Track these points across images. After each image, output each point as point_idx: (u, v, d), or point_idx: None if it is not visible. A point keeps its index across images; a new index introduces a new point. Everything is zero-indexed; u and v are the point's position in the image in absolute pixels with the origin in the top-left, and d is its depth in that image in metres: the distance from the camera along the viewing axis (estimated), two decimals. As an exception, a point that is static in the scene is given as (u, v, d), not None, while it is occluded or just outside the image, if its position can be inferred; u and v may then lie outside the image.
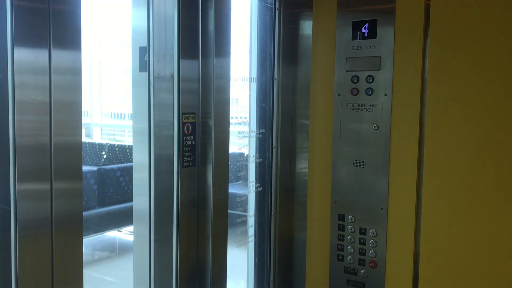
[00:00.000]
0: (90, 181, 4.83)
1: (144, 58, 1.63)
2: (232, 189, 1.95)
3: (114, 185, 5.13)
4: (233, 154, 2.09)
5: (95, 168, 5.02)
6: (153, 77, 1.64)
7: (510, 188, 1.72)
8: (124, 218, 5.20)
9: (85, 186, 4.72)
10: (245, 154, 2.17)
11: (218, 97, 1.72)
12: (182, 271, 1.73)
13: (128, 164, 5.71)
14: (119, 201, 5.20)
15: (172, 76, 1.66)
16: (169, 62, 1.67)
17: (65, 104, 1.27)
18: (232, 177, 2.12)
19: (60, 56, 1.24)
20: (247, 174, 2.16)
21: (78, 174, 1.32)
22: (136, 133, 1.70)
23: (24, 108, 1.19)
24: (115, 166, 5.26)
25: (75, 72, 1.28)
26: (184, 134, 1.70)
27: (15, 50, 1.16)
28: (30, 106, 1.20)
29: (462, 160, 1.79)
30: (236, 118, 2.16)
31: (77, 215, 1.32)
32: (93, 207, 4.96)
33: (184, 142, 1.70)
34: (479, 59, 1.75)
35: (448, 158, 1.82)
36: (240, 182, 2.19)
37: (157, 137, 1.66)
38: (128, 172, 5.28)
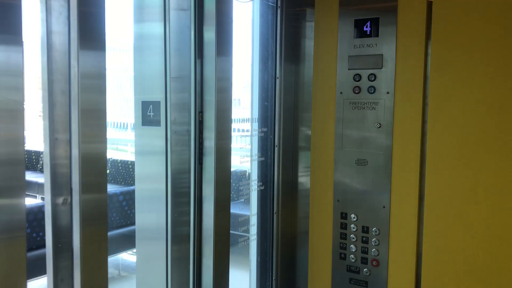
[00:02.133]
0: None
1: (147, 113, 1.67)
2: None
3: (117, 210, 5.23)
4: (235, 171, 2.08)
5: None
6: (170, 78, 1.67)
7: (513, 186, 1.72)
8: (127, 242, 5.30)
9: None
10: (247, 173, 2.16)
11: (220, 97, 1.72)
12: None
13: (131, 187, 5.79)
14: (122, 225, 5.31)
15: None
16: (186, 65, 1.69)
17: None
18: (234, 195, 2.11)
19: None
20: (249, 198, 2.16)
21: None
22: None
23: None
24: (118, 190, 5.35)
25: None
26: (200, 132, 1.75)
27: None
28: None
29: (465, 158, 1.79)
30: (239, 130, 2.18)
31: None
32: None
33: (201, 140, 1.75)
34: (481, 56, 1.74)
35: (450, 156, 1.82)
36: (243, 200, 2.18)
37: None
38: (130, 196, 5.36)
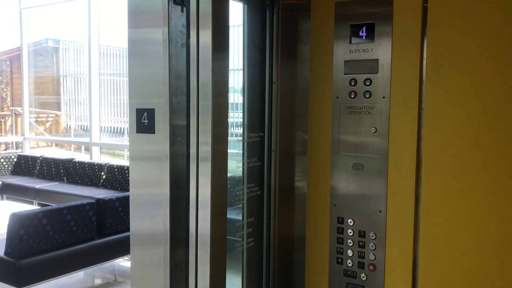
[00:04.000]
0: (89, 213, 4.94)
1: (141, 120, 1.72)
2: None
3: (113, 216, 5.27)
4: (232, 177, 2.07)
5: (93, 200, 5.14)
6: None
7: (509, 190, 1.72)
8: (123, 247, 5.35)
9: (84, 218, 4.85)
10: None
11: (216, 101, 1.72)
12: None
13: (126, 193, 5.84)
14: (118, 231, 5.35)
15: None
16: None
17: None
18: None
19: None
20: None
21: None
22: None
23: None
24: (113, 196, 5.38)
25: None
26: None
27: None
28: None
29: (461, 163, 1.80)
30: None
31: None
32: (92, 239, 5.06)
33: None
34: (477, 61, 1.75)
35: (446, 161, 1.82)
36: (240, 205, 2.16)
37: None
38: (126, 202, 5.39)
